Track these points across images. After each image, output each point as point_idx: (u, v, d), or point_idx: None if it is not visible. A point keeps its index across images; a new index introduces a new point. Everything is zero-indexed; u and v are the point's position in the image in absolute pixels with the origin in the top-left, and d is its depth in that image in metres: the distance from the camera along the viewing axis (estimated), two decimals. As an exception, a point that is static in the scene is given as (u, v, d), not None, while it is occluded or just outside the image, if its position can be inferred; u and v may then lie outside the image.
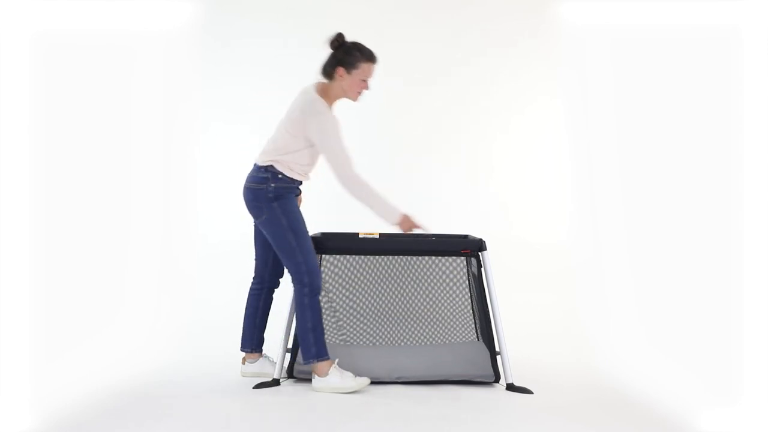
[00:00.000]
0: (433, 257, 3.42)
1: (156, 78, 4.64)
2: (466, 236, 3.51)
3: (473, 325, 3.57)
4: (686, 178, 3.57)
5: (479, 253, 3.23)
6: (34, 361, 3.09)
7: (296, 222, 3.05)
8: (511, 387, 3.12)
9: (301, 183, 3.14)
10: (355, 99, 3.11)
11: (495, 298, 3.19)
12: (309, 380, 3.11)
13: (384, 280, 3.52)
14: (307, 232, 3.08)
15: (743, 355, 2.89)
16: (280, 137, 3.06)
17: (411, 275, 3.54)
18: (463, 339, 3.55)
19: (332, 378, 3.00)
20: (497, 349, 3.21)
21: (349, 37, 3.10)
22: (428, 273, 3.53)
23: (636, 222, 4.18)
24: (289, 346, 3.22)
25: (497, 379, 3.20)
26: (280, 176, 3.04)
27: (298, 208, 3.11)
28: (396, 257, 3.46)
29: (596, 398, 3.05)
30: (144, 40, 4.51)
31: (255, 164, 3.11)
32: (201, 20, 4.96)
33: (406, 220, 3.06)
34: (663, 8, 3.89)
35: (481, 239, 3.25)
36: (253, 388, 3.10)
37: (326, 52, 3.08)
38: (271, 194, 3.03)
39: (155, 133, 4.62)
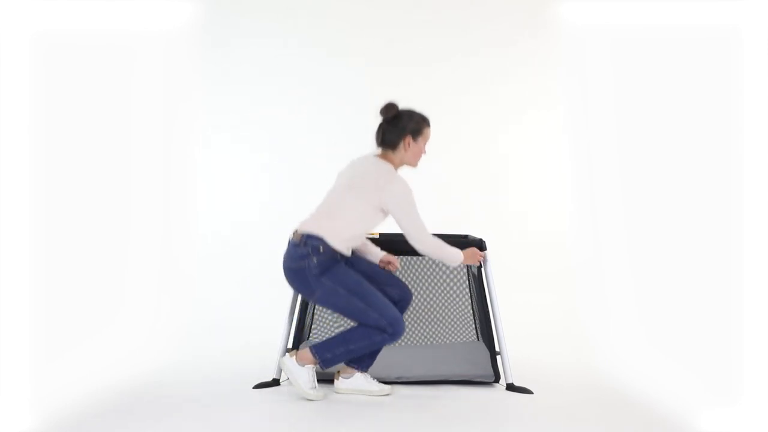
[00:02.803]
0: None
1: (156, 78, 4.65)
2: (466, 236, 3.51)
3: (473, 325, 3.57)
4: (686, 178, 3.57)
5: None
6: (34, 361, 3.09)
7: (355, 284, 2.89)
8: (511, 387, 3.12)
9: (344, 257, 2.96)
10: (416, 165, 3.06)
11: (495, 298, 3.19)
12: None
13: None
14: (370, 286, 2.92)
15: (743, 355, 2.89)
16: (340, 202, 2.91)
17: (411, 275, 3.54)
18: (463, 339, 3.55)
19: (303, 374, 2.92)
20: (497, 349, 3.21)
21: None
22: (428, 273, 3.53)
23: (636, 222, 4.19)
24: (289, 345, 3.22)
25: (497, 379, 3.20)
26: (321, 249, 2.86)
27: (349, 268, 2.93)
28: (396, 257, 3.46)
29: (596, 398, 3.05)
30: (144, 40, 4.51)
31: (291, 240, 2.95)
32: (201, 20, 4.96)
33: (469, 255, 3.06)
34: (663, 8, 3.89)
35: (481, 239, 3.25)
36: (253, 388, 3.10)
37: (373, 119, 3.02)
38: (315, 270, 2.87)
39: (155, 134, 4.62)
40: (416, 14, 5.12)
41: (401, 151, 3.00)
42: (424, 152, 3.06)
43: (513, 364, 3.17)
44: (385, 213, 2.94)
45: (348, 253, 2.96)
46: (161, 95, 4.70)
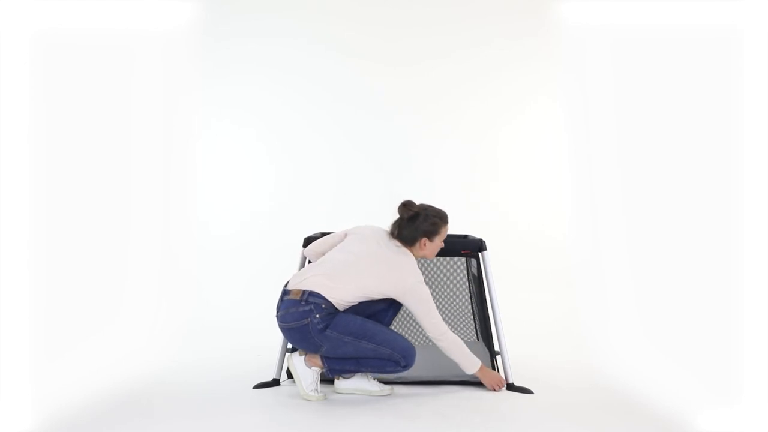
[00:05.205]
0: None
1: (156, 78, 4.64)
2: (466, 236, 3.51)
3: (473, 326, 3.57)
4: (686, 177, 3.57)
5: (479, 253, 3.23)
6: (34, 361, 3.09)
7: (359, 327, 2.88)
8: (511, 387, 3.12)
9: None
10: (432, 258, 3.09)
11: (495, 298, 3.20)
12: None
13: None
14: (374, 323, 2.93)
15: (743, 355, 2.89)
16: (352, 274, 2.90)
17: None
18: (463, 339, 3.54)
19: (308, 375, 2.94)
20: (497, 349, 3.21)
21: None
22: (428, 273, 3.53)
23: (635, 221, 4.18)
24: (289, 346, 3.21)
25: (497, 379, 3.20)
26: (323, 306, 2.85)
27: (347, 313, 2.92)
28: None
29: (596, 398, 3.05)
30: (144, 40, 4.51)
31: (286, 297, 2.91)
32: (201, 20, 4.96)
33: (486, 373, 3.05)
34: (663, 8, 3.89)
35: (481, 239, 3.25)
36: (253, 388, 3.10)
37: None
38: (320, 326, 2.84)
39: (155, 133, 4.62)
40: (416, 12, 5.13)
41: (417, 249, 3.02)
42: (442, 246, 3.07)
43: (513, 364, 3.18)
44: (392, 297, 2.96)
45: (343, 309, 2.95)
46: (161, 95, 4.70)
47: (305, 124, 5.08)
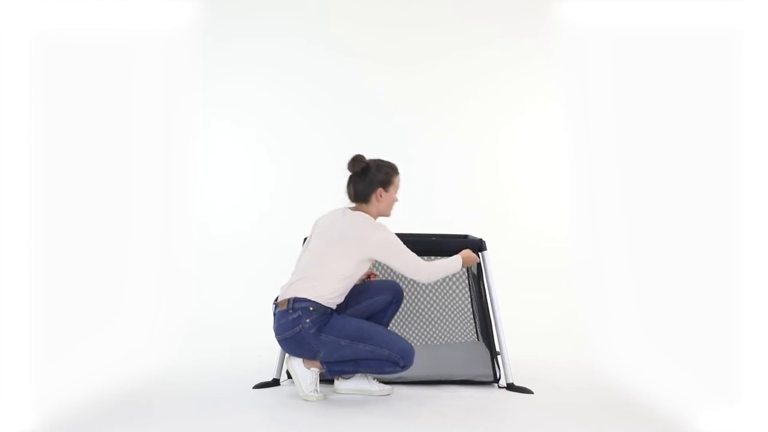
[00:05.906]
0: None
1: (156, 78, 4.65)
2: (466, 236, 3.51)
3: (473, 326, 3.58)
4: (686, 177, 3.57)
5: (479, 253, 3.23)
6: (34, 361, 3.09)
7: (355, 329, 2.87)
8: (511, 387, 3.12)
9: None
10: (389, 215, 3.05)
11: (495, 298, 3.20)
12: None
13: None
14: (371, 324, 2.93)
15: (743, 355, 2.89)
16: (323, 262, 2.88)
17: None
18: (463, 339, 3.55)
19: (308, 376, 2.94)
20: (497, 349, 3.21)
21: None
22: (428, 273, 3.53)
23: (635, 221, 4.19)
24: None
25: (497, 379, 3.20)
26: (311, 309, 2.84)
27: (342, 315, 2.92)
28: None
29: (596, 398, 3.05)
30: (144, 40, 4.51)
31: (276, 309, 2.92)
32: (201, 20, 4.96)
33: (467, 258, 3.07)
34: (663, 8, 3.89)
35: (481, 239, 3.25)
36: (253, 388, 3.10)
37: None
38: (312, 330, 2.84)
39: (155, 134, 4.62)
40: (416, 12, 5.14)
41: (374, 203, 2.99)
42: (396, 200, 3.05)
43: (513, 364, 3.18)
44: (372, 261, 2.94)
45: (333, 306, 2.93)
46: (161, 95, 4.70)
47: (305, 124, 5.08)
